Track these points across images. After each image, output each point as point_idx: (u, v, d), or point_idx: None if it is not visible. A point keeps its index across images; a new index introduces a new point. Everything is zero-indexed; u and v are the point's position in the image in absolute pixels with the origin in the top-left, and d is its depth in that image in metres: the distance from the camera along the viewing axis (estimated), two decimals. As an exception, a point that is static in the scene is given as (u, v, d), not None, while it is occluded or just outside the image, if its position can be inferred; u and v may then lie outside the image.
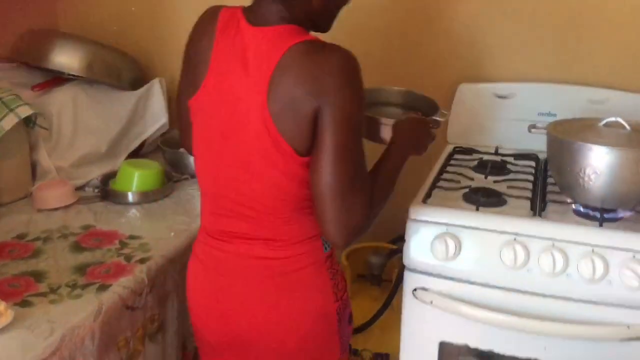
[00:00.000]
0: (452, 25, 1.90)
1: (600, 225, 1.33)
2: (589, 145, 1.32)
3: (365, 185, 1.12)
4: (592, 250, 1.29)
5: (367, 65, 1.15)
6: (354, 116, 1.08)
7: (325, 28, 1.20)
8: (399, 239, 2.11)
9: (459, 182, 1.57)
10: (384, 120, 1.37)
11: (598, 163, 1.31)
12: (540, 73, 1.84)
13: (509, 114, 1.83)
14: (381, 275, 1.95)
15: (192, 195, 1.79)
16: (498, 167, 1.66)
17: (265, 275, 1.18)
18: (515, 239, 1.34)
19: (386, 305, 1.81)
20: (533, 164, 1.70)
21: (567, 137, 1.37)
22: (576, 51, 1.81)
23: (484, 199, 1.44)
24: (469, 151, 1.79)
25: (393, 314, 1.80)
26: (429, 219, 1.40)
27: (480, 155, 1.76)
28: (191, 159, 1.86)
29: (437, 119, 1.44)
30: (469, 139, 1.87)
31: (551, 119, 1.78)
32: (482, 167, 1.66)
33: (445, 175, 1.62)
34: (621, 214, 1.37)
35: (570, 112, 1.77)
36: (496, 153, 1.78)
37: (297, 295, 1.19)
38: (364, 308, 1.87)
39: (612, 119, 1.39)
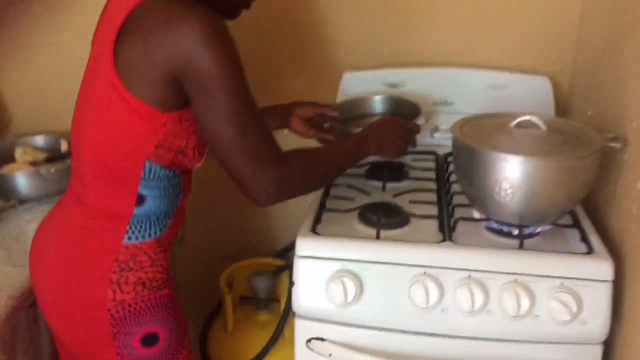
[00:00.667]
0: (329, 12, 1.63)
1: (521, 246, 1.13)
2: (504, 155, 1.10)
3: (263, 139, 1.02)
4: (515, 280, 1.09)
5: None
6: (223, 76, 0.95)
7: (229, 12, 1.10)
8: (287, 250, 1.86)
9: (352, 198, 1.32)
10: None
11: (516, 175, 1.10)
12: (433, 57, 1.62)
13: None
14: (269, 297, 1.68)
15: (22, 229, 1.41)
16: (395, 172, 1.42)
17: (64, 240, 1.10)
18: (425, 273, 1.11)
19: (276, 336, 1.54)
20: (433, 165, 1.48)
21: (478, 144, 1.14)
22: (471, 33, 1.60)
23: (385, 220, 1.20)
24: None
25: (286, 344, 1.54)
26: (321, 255, 1.14)
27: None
28: (19, 179, 1.49)
29: (417, 122, 1.35)
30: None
31: (449, 109, 1.58)
32: (377, 172, 1.42)
33: (335, 191, 1.36)
34: (540, 228, 1.18)
35: (468, 99, 1.57)
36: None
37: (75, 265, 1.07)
38: (251, 339, 1.60)
39: (526, 117, 1.18)
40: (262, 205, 1.04)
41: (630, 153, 1.14)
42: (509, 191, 1.12)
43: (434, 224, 1.22)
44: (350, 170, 1.31)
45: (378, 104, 1.56)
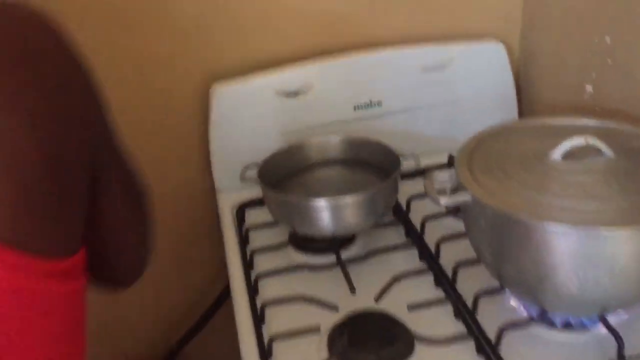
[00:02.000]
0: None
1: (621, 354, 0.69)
2: (579, 230, 0.64)
3: None
4: None
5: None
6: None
7: None
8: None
9: (297, 297, 0.79)
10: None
11: (599, 253, 0.65)
12: (337, 42, 1.08)
13: (308, 117, 1.06)
14: None
15: None
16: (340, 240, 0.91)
17: None
18: None
19: None
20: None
21: (526, 211, 0.66)
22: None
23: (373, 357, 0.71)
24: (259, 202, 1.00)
25: None
26: None
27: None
28: None
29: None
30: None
31: (375, 112, 1.08)
32: (307, 244, 0.90)
33: (267, 284, 0.82)
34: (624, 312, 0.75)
35: (399, 92, 1.08)
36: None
37: None
38: None
39: (578, 140, 0.72)
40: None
41: None
42: (586, 275, 0.67)
43: (460, 339, 0.74)
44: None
45: (331, 149, 1.02)
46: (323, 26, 1.07)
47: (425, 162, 0.99)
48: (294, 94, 1.04)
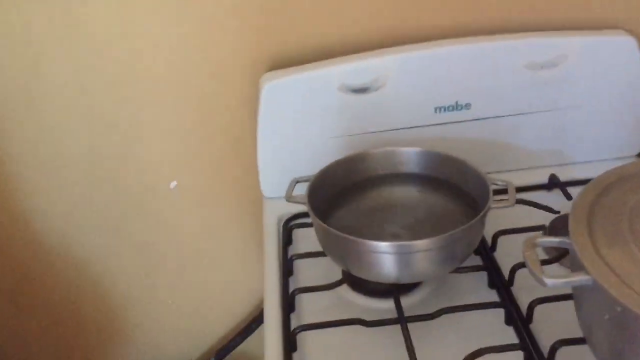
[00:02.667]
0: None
1: None
2: None
3: None
4: None
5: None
6: None
7: None
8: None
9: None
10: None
11: None
12: (418, 26, 0.87)
13: (377, 119, 0.86)
14: None
15: None
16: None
17: None
18: None
19: None
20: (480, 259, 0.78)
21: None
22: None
23: None
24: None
25: None
26: None
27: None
28: None
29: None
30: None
31: (463, 114, 0.87)
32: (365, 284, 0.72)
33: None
34: None
35: (496, 95, 0.86)
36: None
37: None
38: None
39: None
40: None
41: None
42: None
43: None
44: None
45: (401, 162, 0.82)
46: (399, 9, 0.86)
47: (521, 180, 0.79)
48: (361, 90, 0.84)
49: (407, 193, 0.81)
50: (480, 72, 0.85)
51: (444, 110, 0.86)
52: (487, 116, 0.87)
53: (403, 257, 0.66)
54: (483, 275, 0.75)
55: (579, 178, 0.89)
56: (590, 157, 0.92)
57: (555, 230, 0.78)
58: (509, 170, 0.91)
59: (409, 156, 0.81)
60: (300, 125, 0.86)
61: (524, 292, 0.71)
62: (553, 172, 0.89)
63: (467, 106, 0.86)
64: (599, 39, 0.85)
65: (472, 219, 0.66)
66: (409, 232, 0.73)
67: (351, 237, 0.66)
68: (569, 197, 0.85)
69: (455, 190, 0.78)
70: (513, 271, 0.72)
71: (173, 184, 0.98)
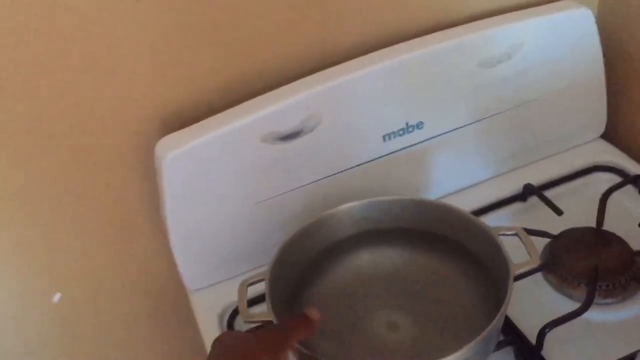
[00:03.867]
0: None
1: None
2: None
3: None
4: None
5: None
6: None
7: None
8: None
9: None
10: None
11: None
12: (335, 43, 0.68)
13: (316, 167, 0.67)
14: None
15: None
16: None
17: None
18: None
19: None
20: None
21: None
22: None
23: None
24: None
25: None
26: None
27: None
28: None
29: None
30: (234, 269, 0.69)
31: (415, 136, 0.71)
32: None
33: None
34: None
35: (450, 106, 0.71)
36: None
37: None
38: None
39: None
40: None
41: None
42: None
43: None
44: None
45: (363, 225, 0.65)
46: (313, 26, 0.66)
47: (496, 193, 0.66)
48: (292, 135, 0.64)
49: (389, 256, 0.63)
50: (429, 83, 0.68)
51: (394, 136, 0.69)
52: (443, 131, 0.71)
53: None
54: (509, 353, 0.59)
55: (553, 178, 0.76)
56: (559, 148, 0.79)
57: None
58: (476, 184, 0.76)
59: (385, 207, 0.63)
60: (219, 195, 0.65)
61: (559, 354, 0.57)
62: (525, 179, 0.76)
63: (420, 125, 0.69)
64: (554, 17, 0.70)
65: (479, 282, 0.51)
66: (409, 320, 0.56)
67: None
68: (550, 204, 0.71)
69: (449, 245, 0.62)
70: (541, 337, 0.57)
71: (57, 296, 0.73)
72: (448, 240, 0.61)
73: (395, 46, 0.67)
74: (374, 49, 0.67)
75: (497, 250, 0.55)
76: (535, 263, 0.54)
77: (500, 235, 0.56)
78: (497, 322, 0.51)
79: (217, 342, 0.46)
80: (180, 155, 0.60)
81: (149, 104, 0.64)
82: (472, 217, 0.59)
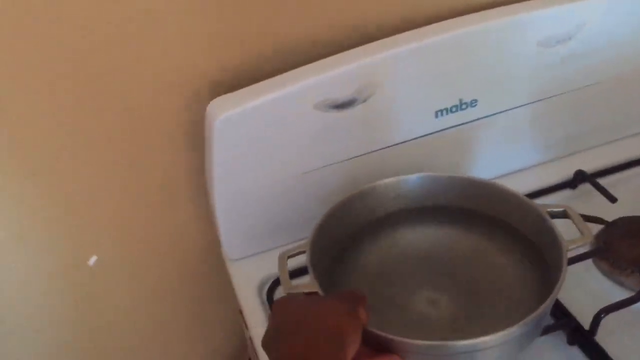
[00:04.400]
0: None
1: None
2: None
3: None
4: None
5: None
6: None
7: None
8: None
9: None
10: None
11: None
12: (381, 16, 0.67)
13: (366, 139, 0.66)
14: None
15: None
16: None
17: None
18: None
19: None
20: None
21: None
22: None
23: None
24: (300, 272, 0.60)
25: None
26: None
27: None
28: None
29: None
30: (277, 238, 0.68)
31: (468, 113, 0.69)
32: None
33: None
34: None
35: (505, 86, 0.69)
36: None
37: None
38: None
39: None
40: None
41: None
42: None
43: None
44: None
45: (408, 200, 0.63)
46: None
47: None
48: (345, 104, 0.63)
49: (431, 234, 0.62)
50: (485, 59, 0.66)
51: (447, 112, 0.67)
52: (497, 111, 0.69)
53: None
54: (560, 336, 0.58)
55: (606, 166, 0.74)
56: (614, 135, 0.77)
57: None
58: (525, 168, 0.75)
59: (437, 184, 0.62)
60: (268, 163, 0.64)
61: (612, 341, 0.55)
62: (576, 165, 0.74)
63: (473, 103, 0.68)
64: (616, -2, 0.68)
65: (527, 263, 0.50)
66: (450, 296, 0.55)
67: (405, 340, 0.46)
68: (604, 191, 0.69)
69: (496, 225, 0.60)
70: (597, 320, 0.56)
71: (93, 259, 0.73)
72: (495, 220, 0.60)
73: (453, 20, 0.65)
74: (428, 22, 0.65)
75: (548, 228, 0.53)
76: (589, 238, 0.52)
77: (547, 212, 0.55)
78: (550, 302, 0.49)
79: (279, 304, 0.46)
80: (232, 117, 0.59)
81: (201, 65, 0.63)
82: (522, 196, 0.58)
